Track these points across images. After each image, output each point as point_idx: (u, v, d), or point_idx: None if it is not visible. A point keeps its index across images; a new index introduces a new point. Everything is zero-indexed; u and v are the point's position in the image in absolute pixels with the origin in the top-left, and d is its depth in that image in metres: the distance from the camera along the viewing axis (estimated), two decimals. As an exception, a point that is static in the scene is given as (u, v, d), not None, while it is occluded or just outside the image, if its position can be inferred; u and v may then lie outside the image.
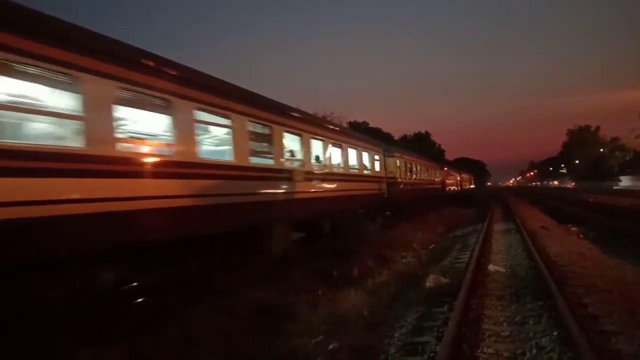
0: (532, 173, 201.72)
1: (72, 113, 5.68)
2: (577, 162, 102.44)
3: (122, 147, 6.25)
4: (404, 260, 11.71)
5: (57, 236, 5.26)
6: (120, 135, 6.28)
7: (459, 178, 52.40)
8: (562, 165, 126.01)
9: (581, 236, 15.96)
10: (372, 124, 66.63)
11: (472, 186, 72.28)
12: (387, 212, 19.38)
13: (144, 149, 6.89)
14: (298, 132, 11.65)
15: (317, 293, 7.74)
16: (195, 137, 7.73)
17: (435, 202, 30.60)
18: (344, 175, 14.78)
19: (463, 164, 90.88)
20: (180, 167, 7.19)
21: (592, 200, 34.54)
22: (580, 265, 9.85)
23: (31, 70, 5.21)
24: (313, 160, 12.68)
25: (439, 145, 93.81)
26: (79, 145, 5.63)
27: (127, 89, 6.40)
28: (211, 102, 8.16)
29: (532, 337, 5.48)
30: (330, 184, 13.50)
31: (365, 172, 17.21)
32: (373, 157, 18.61)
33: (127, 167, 6.28)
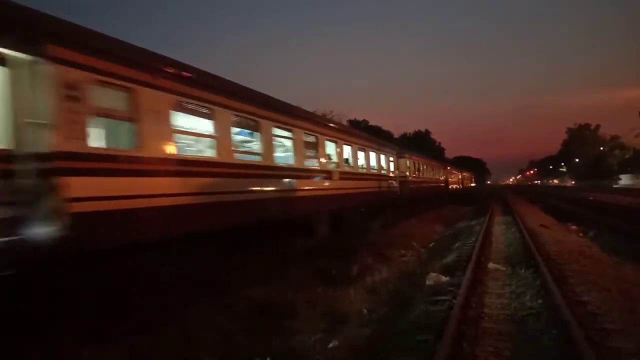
0: (531, 172, 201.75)
1: (209, 134, 8.09)
2: (577, 160, 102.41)
3: (236, 156, 8.82)
4: (404, 258, 11.72)
5: (227, 213, 8.10)
6: (234, 148, 8.78)
7: (460, 177, 54.76)
8: (562, 164, 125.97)
9: (581, 235, 15.96)
10: (372, 122, 66.65)
11: (473, 184, 75.18)
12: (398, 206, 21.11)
13: (248, 157, 9.36)
14: (335, 139, 14.08)
15: (316, 291, 7.75)
16: (274, 147, 10.30)
17: (438, 200, 32.11)
18: (368, 175, 17.31)
19: (463, 163, 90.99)
20: (265, 170, 9.86)
21: (591, 198, 34.54)
22: (579, 264, 9.87)
23: (192, 107, 7.69)
24: (345, 163, 15.04)
25: (439, 143, 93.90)
26: (213, 155, 8.11)
27: (238, 116, 8.91)
28: (284, 121, 10.85)
29: (532, 336, 5.50)
30: (358, 182, 15.87)
31: (382, 172, 19.60)
32: (389, 158, 20.99)
33: (241, 170, 8.89)
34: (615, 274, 8.66)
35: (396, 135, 74.40)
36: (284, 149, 11.22)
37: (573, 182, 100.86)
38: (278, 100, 11.13)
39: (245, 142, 9.77)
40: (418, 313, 6.72)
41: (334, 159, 14.01)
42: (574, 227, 18.29)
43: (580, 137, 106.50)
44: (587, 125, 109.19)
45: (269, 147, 9.91)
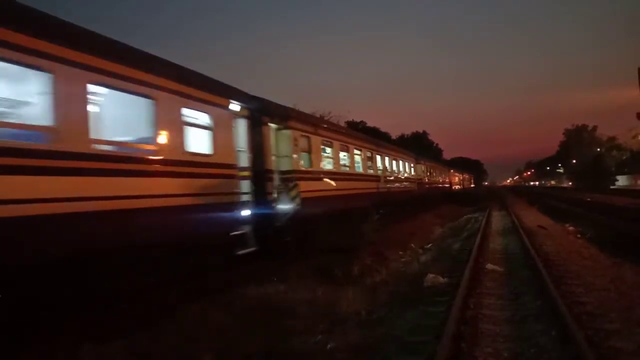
0: (529, 172, 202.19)
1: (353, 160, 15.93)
2: (574, 161, 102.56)
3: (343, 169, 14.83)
4: (403, 259, 11.72)
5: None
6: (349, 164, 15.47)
7: (461, 178, 62.36)
8: (559, 165, 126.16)
9: (579, 235, 15.97)
10: (369, 123, 66.67)
11: (472, 185, 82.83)
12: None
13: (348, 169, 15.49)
14: (381, 153, 20.93)
15: (316, 291, 7.73)
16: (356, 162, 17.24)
17: (444, 198, 37.67)
18: (398, 179, 24.35)
19: (461, 164, 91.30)
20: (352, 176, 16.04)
21: (589, 199, 34.62)
22: (578, 264, 9.89)
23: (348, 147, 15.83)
24: (387, 169, 21.77)
25: (436, 144, 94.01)
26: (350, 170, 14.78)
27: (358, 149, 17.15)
28: (366, 146, 18.71)
29: (531, 337, 5.49)
30: (393, 184, 22.63)
31: (406, 175, 26.47)
32: (410, 165, 27.75)
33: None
34: (614, 275, 8.66)
35: (394, 137, 74.50)
36: (358, 163, 17.71)
37: (570, 183, 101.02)
38: (368, 136, 21.97)
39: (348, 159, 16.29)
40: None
41: (380, 166, 20.54)
42: (571, 228, 18.30)
43: (578, 138, 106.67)
44: (585, 126, 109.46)
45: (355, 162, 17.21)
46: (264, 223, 9.85)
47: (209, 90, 8.43)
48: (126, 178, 6.35)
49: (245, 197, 9.42)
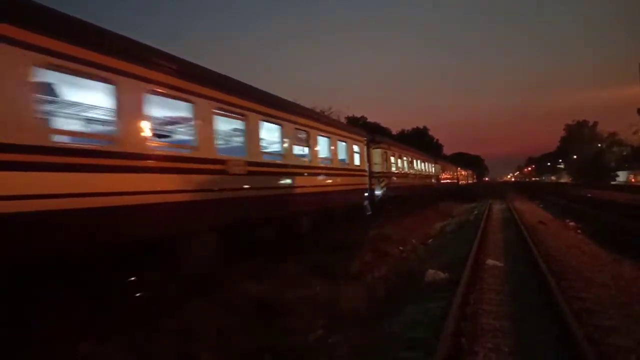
0: (529, 168, 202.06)
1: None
2: (574, 157, 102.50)
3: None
4: (403, 255, 11.73)
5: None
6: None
7: (465, 174, 71.53)
8: (560, 161, 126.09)
9: (579, 231, 15.98)
10: (370, 119, 66.64)
11: (475, 181, 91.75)
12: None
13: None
14: (418, 159, 30.25)
15: (315, 287, 7.74)
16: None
17: (453, 190, 45.41)
18: (426, 176, 33.16)
19: (462, 160, 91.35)
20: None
21: (589, 195, 34.61)
22: (578, 260, 9.90)
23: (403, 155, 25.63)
24: (423, 170, 31.19)
25: (437, 140, 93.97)
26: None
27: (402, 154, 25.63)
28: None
29: (532, 333, 5.50)
30: (420, 180, 30.21)
31: (430, 173, 35.38)
32: (432, 165, 36.63)
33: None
34: (614, 271, 8.67)
35: (394, 132, 74.51)
36: (412, 166, 27.72)
37: (570, 179, 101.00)
38: (414, 148, 31.47)
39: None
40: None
41: (420, 168, 30.01)
42: (572, 224, 18.31)
43: (579, 134, 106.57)
44: (585, 122, 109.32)
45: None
46: (372, 199, 18.57)
47: (358, 134, 17.64)
48: (329, 177, 13.63)
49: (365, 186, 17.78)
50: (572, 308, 6.15)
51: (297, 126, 11.33)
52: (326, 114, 37.57)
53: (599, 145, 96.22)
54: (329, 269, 9.00)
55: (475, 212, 24.86)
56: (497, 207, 28.89)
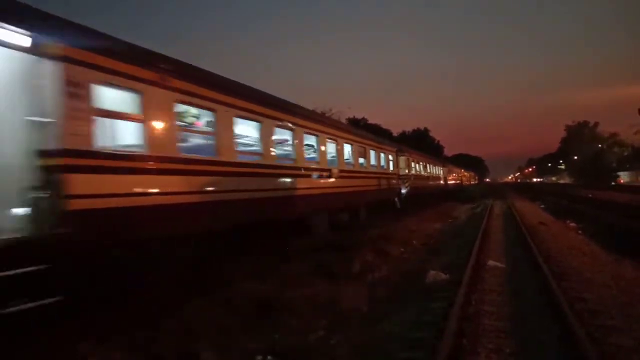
0: (530, 169, 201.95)
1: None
2: (575, 158, 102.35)
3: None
4: (405, 256, 11.73)
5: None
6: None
7: (468, 176, 77.49)
8: (561, 162, 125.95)
9: (579, 232, 16.00)
10: (371, 120, 66.64)
11: (477, 182, 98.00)
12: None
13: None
14: (431, 163, 35.53)
15: (317, 287, 7.74)
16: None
17: (457, 191, 48.91)
18: (436, 177, 37.20)
19: (463, 161, 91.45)
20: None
21: (590, 196, 34.62)
22: (579, 260, 9.91)
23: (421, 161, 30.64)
24: (433, 172, 36.07)
25: (438, 141, 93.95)
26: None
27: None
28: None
29: (533, 333, 5.51)
30: (432, 181, 34.95)
31: (439, 175, 39.43)
32: (440, 167, 40.57)
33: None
34: (615, 271, 8.68)
35: (395, 134, 74.46)
36: (427, 170, 33.35)
37: (572, 180, 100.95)
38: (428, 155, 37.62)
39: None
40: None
41: (429, 170, 33.77)
42: (572, 225, 18.33)
43: (579, 135, 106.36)
44: (586, 122, 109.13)
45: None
46: (400, 196, 22.32)
47: (391, 147, 22.16)
48: (377, 180, 18.55)
49: (397, 186, 22.18)
50: (574, 308, 6.16)
51: (361, 145, 16.85)
52: (327, 114, 37.68)
53: (600, 145, 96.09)
54: (332, 268, 9.01)
55: (477, 212, 24.98)
56: (498, 208, 28.92)
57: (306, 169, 11.79)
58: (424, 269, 9.13)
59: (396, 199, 22.22)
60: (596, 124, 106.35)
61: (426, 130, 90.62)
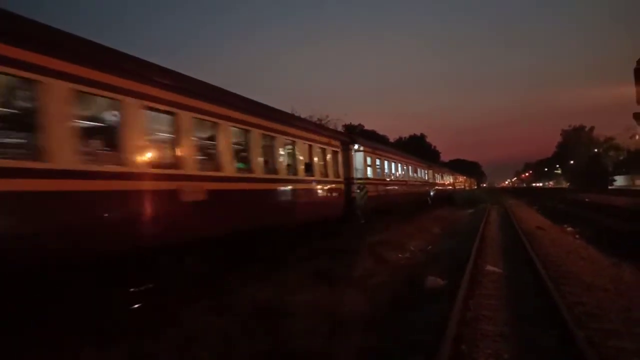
0: (527, 174, 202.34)
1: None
2: (571, 162, 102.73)
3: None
4: (402, 262, 11.72)
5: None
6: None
7: (470, 182, 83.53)
8: (557, 166, 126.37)
9: (577, 236, 16.02)
10: (367, 126, 66.74)
11: (475, 187, 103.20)
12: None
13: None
14: (442, 172, 45.08)
15: (315, 293, 7.71)
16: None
17: (462, 193, 58.44)
18: (445, 184, 45.57)
19: (460, 167, 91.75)
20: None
21: (587, 200, 34.71)
22: (577, 265, 9.92)
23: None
24: (444, 179, 46.10)
25: (434, 147, 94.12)
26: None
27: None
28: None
29: (532, 338, 5.50)
30: (445, 186, 45.12)
31: (448, 181, 48.69)
32: (450, 176, 50.80)
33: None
34: (613, 275, 8.70)
35: (392, 139, 74.62)
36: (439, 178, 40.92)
37: (568, 184, 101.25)
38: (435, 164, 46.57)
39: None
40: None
41: (443, 180, 43.49)
42: (570, 229, 18.36)
43: (575, 139, 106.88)
44: (582, 127, 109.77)
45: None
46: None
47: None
48: (424, 186, 31.99)
49: (429, 188, 33.93)
50: (573, 312, 6.17)
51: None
52: (323, 122, 37.72)
53: (596, 150, 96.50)
54: (330, 274, 9.00)
55: (474, 217, 24.97)
56: (495, 212, 28.97)
57: None
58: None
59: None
60: (592, 129, 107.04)
61: (422, 136, 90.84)
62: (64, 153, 5.37)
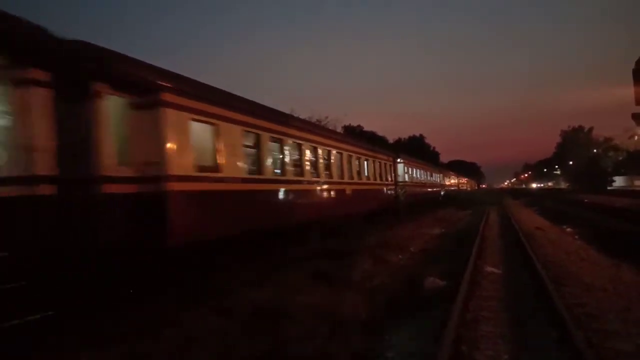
0: (526, 175, 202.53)
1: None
2: (570, 163, 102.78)
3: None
4: (402, 263, 11.71)
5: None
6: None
7: (472, 183, 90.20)
8: (556, 167, 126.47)
9: (576, 237, 16.02)
10: (366, 127, 66.82)
11: (476, 188, 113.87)
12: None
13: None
14: (449, 176, 57.30)
15: (314, 294, 7.70)
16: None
17: (467, 193, 70.64)
18: (452, 184, 58.28)
19: (459, 168, 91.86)
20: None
21: (586, 200, 34.75)
22: (576, 265, 9.92)
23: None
24: (453, 180, 60.42)
25: (433, 148, 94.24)
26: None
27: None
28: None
29: (532, 339, 5.50)
30: (448, 187, 52.16)
31: (456, 182, 63.01)
32: (455, 178, 63.32)
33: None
34: (612, 275, 8.70)
35: (391, 140, 74.69)
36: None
37: (568, 185, 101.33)
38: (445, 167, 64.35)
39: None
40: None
41: (452, 181, 57.31)
42: (569, 230, 18.36)
43: (574, 140, 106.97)
44: (581, 127, 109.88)
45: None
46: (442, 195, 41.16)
47: (437, 168, 45.00)
48: (445, 187, 47.65)
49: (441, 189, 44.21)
50: (573, 313, 6.17)
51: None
52: (322, 123, 37.82)
53: (595, 150, 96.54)
54: (330, 275, 8.99)
55: (474, 218, 24.95)
56: (494, 213, 28.97)
57: None
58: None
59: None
60: (591, 129, 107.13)
61: (422, 137, 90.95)
62: (266, 169, 10.76)
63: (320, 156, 13.95)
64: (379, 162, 21.16)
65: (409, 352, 5.25)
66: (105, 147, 6.47)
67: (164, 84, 7.36)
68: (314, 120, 35.74)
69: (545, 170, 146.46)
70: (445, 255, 11.76)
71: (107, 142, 6.51)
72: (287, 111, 15.41)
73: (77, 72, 6.41)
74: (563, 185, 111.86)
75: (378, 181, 20.78)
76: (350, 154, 16.96)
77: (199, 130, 8.11)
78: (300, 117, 20.91)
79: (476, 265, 9.94)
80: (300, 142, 12.54)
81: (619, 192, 46.70)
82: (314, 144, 13.44)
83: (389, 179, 23.07)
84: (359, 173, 18.01)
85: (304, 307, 6.68)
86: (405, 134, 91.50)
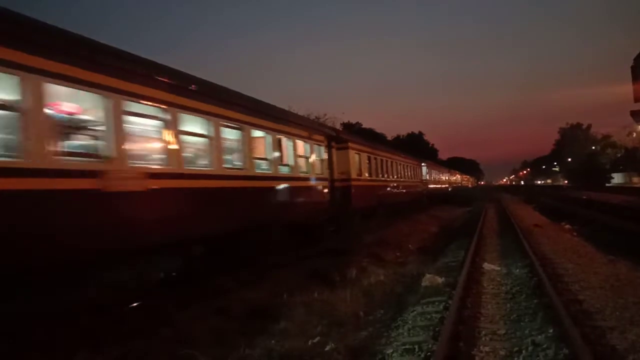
0: (524, 172, 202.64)
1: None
2: (569, 160, 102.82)
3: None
4: (400, 260, 11.75)
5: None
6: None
7: (472, 180, 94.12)
8: (555, 164, 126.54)
9: (574, 234, 16.06)
10: (365, 125, 66.68)
11: (476, 184, 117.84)
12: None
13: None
14: (453, 174, 66.90)
15: (312, 293, 7.73)
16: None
17: (468, 189, 75.63)
18: (454, 181, 65.25)
19: (458, 165, 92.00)
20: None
21: (584, 197, 34.79)
22: (574, 262, 9.95)
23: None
24: (457, 178, 70.13)
25: (432, 144, 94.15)
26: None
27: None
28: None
29: (529, 335, 5.52)
30: (456, 184, 66.98)
31: (456, 179, 67.28)
32: (459, 176, 71.71)
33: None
34: (610, 272, 8.72)
35: (389, 137, 74.59)
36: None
37: (566, 182, 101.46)
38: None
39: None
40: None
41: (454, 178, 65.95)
42: (567, 226, 18.40)
43: (572, 137, 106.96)
44: (579, 124, 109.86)
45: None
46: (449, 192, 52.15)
47: (454, 172, 66.78)
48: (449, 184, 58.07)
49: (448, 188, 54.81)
50: (569, 309, 6.18)
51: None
52: (321, 120, 37.85)
53: (593, 147, 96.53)
54: (327, 274, 9.01)
55: (472, 215, 25.04)
56: (493, 210, 29.02)
57: None
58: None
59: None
60: (589, 126, 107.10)
61: (420, 134, 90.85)
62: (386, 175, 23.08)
63: (393, 165, 24.45)
64: (412, 166, 30.14)
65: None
66: (336, 167, 15.55)
67: (349, 138, 17.41)
68: (312, 117, 35.70)
69: (543, 167, 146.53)
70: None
71: (336, 165, 15.55)
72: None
73: (332, 140, 15.67)
74: (562, 182, 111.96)
75: (414, 180, 30.34)
76: (400, 162, 26.38)
77: (359, 157, 18.06)
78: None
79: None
80: (386, 158, 22.91)
81: (617, 189, 46.76)
82: (390, 159, 23.94)
83: (418, 179, 32.62)
84: (405, 174, 27.51)
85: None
86: (404, 131, 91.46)
